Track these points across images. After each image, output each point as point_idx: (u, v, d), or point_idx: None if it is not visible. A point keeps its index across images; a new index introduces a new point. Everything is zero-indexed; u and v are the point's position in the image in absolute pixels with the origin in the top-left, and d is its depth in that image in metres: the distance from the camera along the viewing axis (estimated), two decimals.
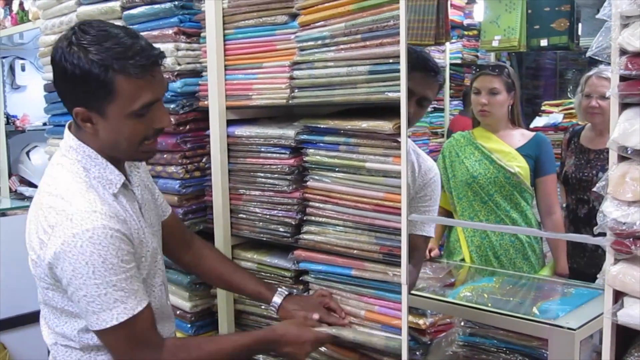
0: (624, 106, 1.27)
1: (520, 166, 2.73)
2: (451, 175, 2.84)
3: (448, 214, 2.91)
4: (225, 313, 2.23)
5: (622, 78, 1.25)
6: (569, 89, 4.88)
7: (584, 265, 2.84)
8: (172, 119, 2.24)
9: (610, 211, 1.28)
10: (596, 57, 1.28)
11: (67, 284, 1.46)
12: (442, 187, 2.88)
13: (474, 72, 3.04)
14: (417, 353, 2.32)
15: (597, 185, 1.29)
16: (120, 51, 1.43)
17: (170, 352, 1.56)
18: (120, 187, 1.56)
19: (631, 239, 1.25)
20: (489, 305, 2.06)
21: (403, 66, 1.64)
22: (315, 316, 1.82)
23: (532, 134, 2.87)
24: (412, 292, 2.14)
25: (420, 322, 2.28)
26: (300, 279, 2.06)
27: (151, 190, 1.81)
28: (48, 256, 1.45)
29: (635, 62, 1.22)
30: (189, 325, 2.36)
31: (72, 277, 1.44)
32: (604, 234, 1.31)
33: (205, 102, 2.20)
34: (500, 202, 2.74)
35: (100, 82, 1.43)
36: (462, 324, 2.21)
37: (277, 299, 1.89)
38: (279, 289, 1.93)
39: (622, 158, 1.28)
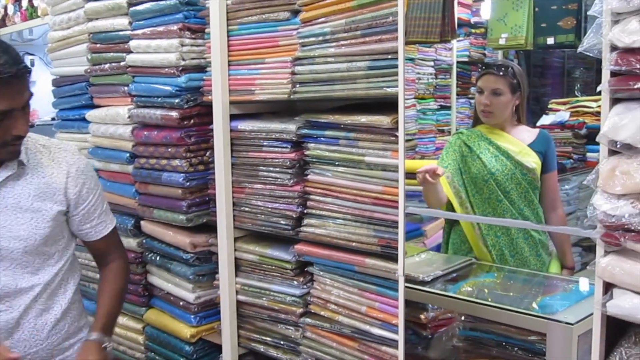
0: (614, 101, 1.30)
1: (535, 162, 2.70)
2: (464, 170, 2.80)
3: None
4: (228, 304, 2.26)
5: (613, 74, 1.28)
6: (576, 87, 4.88)
7: None
8: (176, 114, 2.30)
9: (600, 204, 1.30)
10: (587, 53, 1.30)
11: None
12: (449, 183, 2.88)
13: (479, 70, 2.98)
14: (418, 347, 2.34)
15: (588, 178, 1.31)
16: None
17: None
18: None
19: (620, 231, 1.28)
20: (490, 300, 2.07)
21: (401, 62, 1.67)
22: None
23: (537, 130, 2.83)
24: (414, 286, 2.18)
25: (422, 316, 2.31)
26: (305, 269, 2.08)
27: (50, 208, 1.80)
28: None
29: (625, 58, 1.24)
30: (192, 316, 2.40)
31: None
32: (594, 227, 1.34)
33: (209, 97, 2.23)
34: (515, 199, 2.69)
35: None
36: (463, 318, 2.24)
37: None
38: (92, 333, 1.83)
39: (611, 152, 1.31)
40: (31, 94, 1.65)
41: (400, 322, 1.76)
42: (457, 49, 5.07)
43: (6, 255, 1.72)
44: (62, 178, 1.80)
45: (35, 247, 1.75)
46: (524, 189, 2.69)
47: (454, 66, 5.08)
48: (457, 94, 5.13)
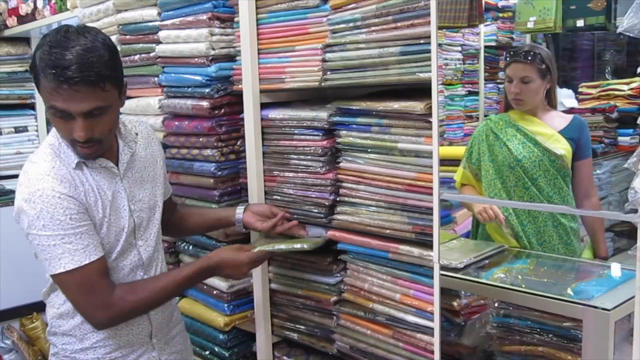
0: None
1: (565, 148, 2.67)
2: (491, 158, 2.78)
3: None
4: (261, 292, 2.27)
5: None
6: (607, 70, 4.81)
7: None
8: (207, 103, 2.30)
9: None
10: (627, 33, 1.27)
11: (26, 235, 1.71)
12: (476, 170, 2.86)
13: (506, 57, 2.94)
14: (451, 334, 2.33)
15: (629, 161, 1.29)
16: (50, 59, 1.59)
17: (119, 296, 1.75)
18: (77, 163, 1.75)
19: None
20: (523, 286, 2.06)
21: (434, 47, 1.65)
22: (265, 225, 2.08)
23: (570, 116, 2.80)
24: (447, 273, 2.17)
25: (454, 303, 2.30)
26: (339, 257, 2.08)
27: (157, 173, 2.01)
28: (14, 211, 1.73)
29: None
30: (226, 305, 2.41)
31: (28, 229, 1.69)
32: (635, 211, 1.31)
33: (240, 86, 2.23)
34: (543, 186, 2.67)
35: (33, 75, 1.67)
36: (496, 305, 2.22)
37: (238, 216, 2.13)
38: (237, 207, 2.15)
39: None
40: (105, 106, 1.66)
41: (436, 309, 1.75)
42: (485, 33, 5.02)
43: (146, 226, 1.92)
44: (156, 146, 2.04)
45: (158, 216, 1.98)
46: (553, 175, 2.66)
47: (482, 51, 5.04)
48: (485, 79, 5.09)
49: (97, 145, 1.72)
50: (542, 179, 2.67)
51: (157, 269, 1.96)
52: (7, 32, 4.33)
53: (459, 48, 4.97)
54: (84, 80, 1.58)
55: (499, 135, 2.75)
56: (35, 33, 4.31)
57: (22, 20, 4.12)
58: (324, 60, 2.00)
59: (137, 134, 1.95)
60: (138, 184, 1.91)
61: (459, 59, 4.97)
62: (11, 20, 4.18)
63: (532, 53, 2.73)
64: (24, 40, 4.50)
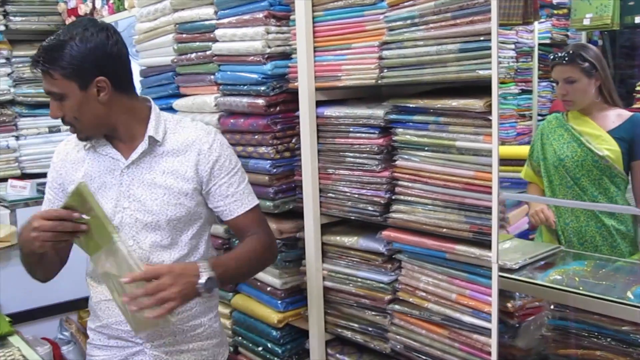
0: None
1: (610, 149, 2.63)
2: (543, 157, 2.78)
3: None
4: (315, 289, 2.28)
5: None
6: None
7: None
8: (262, 101, 2.31)
9: None
10: None
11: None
12: (537, 167, 2.85)
13: (550, 59, 2.93)
14: (505, 336, 2.30)
15: None
16: None
17: None
18: (87, 147, 1.86)
19: None
20: (581, 288, 2.02)
21: (494, 43, 1.64)
22: None
23: (629, 114, 2.75)
24: (503, 274, 2.14)
25: (509, 304, 2.26)
26: (393, 256, 2.08)
27: (182, 187, 1.83)
28: None
29: None
30: (279, 302, 2.43)
31: None
32: None
33: (295, 84, 2.24)
34: (587, 186, 2.65)
35: None
36: (552, 307, 2.18)
37: None
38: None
39: None
40: (60, 93, 1.73)
41: (494, 310, 1.73)
42: (539, 30, 4.92)
43: (140, 228, 1.80)
44: (194, 156, 1.83)
45: (167, 223, 1.80)
46: (596, 176, 2.63)
47: (536, 49, 4.94)
48: (539, 78, 4.99)
49: (72, 127, 1.80)
50: (585, 178, 2.65)
51: None
52: None
53: (512, 46, 4.88)
54: (37, 65, 1.73)
55: (548, 135, 2.75)
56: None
57: None
58: (380, 58, 1.99)
59: (164, 137, 1.84)
60: (145, 185, 1.81)
61: (512, 57, 4.88)
62: (70, 21, 4.27)
63: (572, 53, 2.72)
64: None
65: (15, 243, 2.76)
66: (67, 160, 1.89)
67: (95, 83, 1.73)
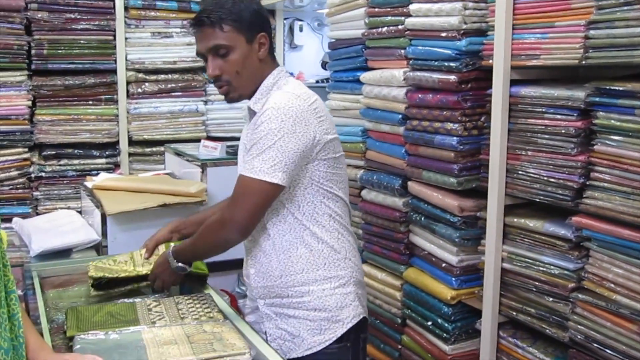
0: None
1: None
2: None
3: None
4: (492, 270, 2.25)
5: None
6: None
7: None
8: (455, 77, 2.31)
9: None
10: None
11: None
12: None
13: None
14: None
15: None
16: None
17: None
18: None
19: None
20: None
21: None
22: None
23: None
24: None
25: None
26: (581, 243, 2.01)
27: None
28: None
29: None
30: (454, 279, 2.43)
31: None
32: None
33: (490, 61, 2.21)
34: None
35: None
36: None
37: None
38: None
39: None
40: (227, 45, 1.85)
41: None
42: None
43: None
44: (257, 129, 1.84)
45: None
46: None
47: None
48: None
49: (227, 86, 1.90)
50: None
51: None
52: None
53: None
54: (205, 21, 1.84)
55: None
56: (279, 7, 4.57)
57: None
58: (586, 37, 1.91)
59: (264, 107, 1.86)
60: (242, 144, 2.00)
61: None
62: None
63: None
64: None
65: (204, 199, 2.95)
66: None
67: (258, 38, 1.89)
